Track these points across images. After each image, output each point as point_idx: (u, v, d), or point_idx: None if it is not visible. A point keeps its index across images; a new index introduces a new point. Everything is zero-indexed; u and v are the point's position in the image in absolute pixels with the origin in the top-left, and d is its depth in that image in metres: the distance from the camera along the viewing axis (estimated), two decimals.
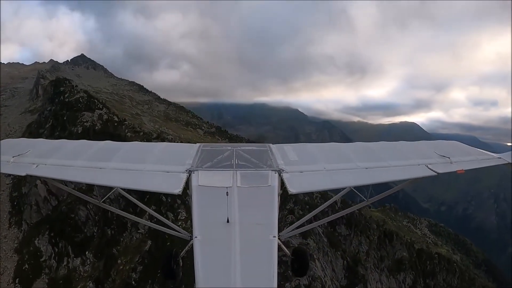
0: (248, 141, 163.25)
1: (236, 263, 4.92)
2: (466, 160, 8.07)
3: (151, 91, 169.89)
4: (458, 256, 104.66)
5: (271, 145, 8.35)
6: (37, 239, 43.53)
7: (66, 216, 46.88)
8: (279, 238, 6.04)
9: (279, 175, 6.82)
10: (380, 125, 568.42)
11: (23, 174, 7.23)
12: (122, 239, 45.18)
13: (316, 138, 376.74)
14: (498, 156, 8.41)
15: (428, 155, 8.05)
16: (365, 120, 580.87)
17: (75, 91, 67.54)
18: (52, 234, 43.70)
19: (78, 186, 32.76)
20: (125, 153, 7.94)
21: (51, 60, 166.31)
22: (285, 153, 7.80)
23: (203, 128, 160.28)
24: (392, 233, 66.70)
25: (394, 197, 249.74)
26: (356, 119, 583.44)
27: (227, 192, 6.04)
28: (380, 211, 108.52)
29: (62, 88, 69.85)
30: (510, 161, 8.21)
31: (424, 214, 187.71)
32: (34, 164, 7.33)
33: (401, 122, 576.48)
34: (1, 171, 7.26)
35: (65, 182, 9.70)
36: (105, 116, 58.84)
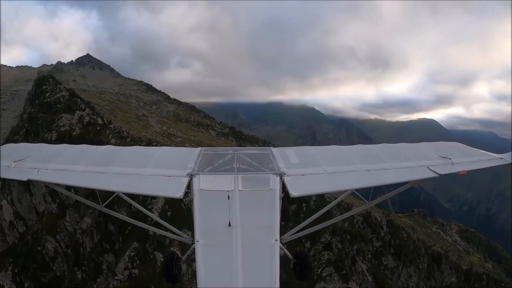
0: (264, 142, 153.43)
1: (238, 266, 4.89)
2: (467, 161, 7.92)
3: (160, 91, 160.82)
4: (490, 264, 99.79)
5: (272, 148, 8.25)
6: (1, 274, 36.51)
7: (32, 249, 36.94)
8: (281, 242, 5.69)
9: (281, 178, 6.69)
10: (397, 122, 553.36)
11: (25, 179, 7.02)
12: (96, 286, 34.16)
13: (333, 137, 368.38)
14: (499, 156, 8.17)
15: (429, 157, 7.90)
16: (382, 118, 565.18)
17: (57, 90, 57.59)
18: (16, 271, 36.67)
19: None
20: (126, 158, 7.74)
21: (59, 62, 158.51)
22: (286, 156, 7.66)
23: (216, 129, 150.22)
24: (440, 256, 61.76)
25: (416, 198, 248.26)
26: (372, 116, 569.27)
27: (228, 196, 5.91)
28: (408, 217, 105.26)
29: (44, 87, 59.97)
30: (511, 162, 8.00)
31: (446, 215, 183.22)
32: (35, 169, 7.14)
33: (419, 119, 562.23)
34: (2, 176, 6.99)
35: (66, 187, 9.07)
36: (87, 119, 48.76)
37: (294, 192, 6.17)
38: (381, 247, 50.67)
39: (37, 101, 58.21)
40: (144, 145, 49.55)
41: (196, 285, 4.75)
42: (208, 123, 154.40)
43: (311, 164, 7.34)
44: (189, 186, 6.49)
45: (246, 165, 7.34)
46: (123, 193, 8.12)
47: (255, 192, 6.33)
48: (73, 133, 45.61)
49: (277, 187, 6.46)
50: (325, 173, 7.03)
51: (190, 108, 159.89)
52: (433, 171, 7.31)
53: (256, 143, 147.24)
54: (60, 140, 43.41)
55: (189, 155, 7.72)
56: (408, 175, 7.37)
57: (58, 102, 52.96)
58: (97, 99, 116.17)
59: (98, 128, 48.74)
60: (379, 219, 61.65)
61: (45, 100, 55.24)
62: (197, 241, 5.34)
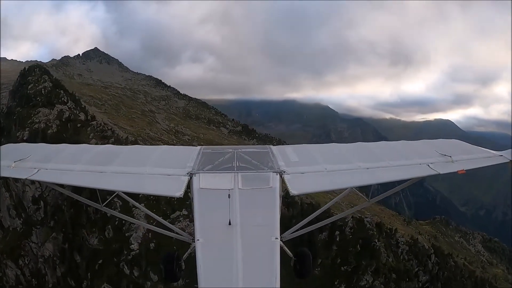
0: (279, 141, 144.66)
1: (238, 265, 4.87)
2: (467, 158, 7.82)
3: (169, 86, 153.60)
4: None
5: (272, 146, 8.22)
6: None
7: None
8: (281, 240, 5.81)
9: (281, 176, 6.63)
10: (413, 122, 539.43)
11: (24, 178, 7.03)
12: None
13: (348, 136, 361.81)
14: (499, 154, 8.06)
15: (429, 154, 7.80)
16: (398, 117, 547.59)
17: (41, 81, 50.06)
18: None
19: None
20: (126, 157, 7.72)
21: (65, 56, 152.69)
22: (286, 155, 7.60)
23: (228, 126, 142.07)
24: (484, 282, 57.80)
25: (432, 201, 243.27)
26: (388, 116, 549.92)
27: (228, 195, 5.85)
28: (430, 224, 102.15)
29: (29, 78, 52.54)
30: (510, 159, 7.89)
31: (462, 219, 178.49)
32: (35, 168, 7.10)
33: (435, 120, 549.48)
34: (2, 175, 7.10)
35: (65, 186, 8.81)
36: (67, 114, 40.72)
37: (294, 190, 6.21)
38: (428, 282, 42.27)
39: (19, 94, 50.66)
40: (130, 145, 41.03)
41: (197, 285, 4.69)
42: (220, 120, 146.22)
43: (310, 162, 7.27)
44: (189, 185, 6.41)
45: (246, 163, 7.28)
46: (122, 192, 8.09)
47: (255, 190, 6.32)
48: (49, 131, 38.04)
49: (277, 185, 6.41)
50: (324, 171, 6.98)
51: (201, 104, 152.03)
52: (433, 169, 7.23)
53: (270, 142, 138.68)
54: (31, 140, 35.70)
55: (189, 153, 7.63)
56: (407, 173, 7.27)
57: (39, 94, 45.61)
58: (101, 93, 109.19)
59: (79, 125, 41.03)
60: (426, 247, 53.23)
61: (26, 92, 47.76)
62: (198, 239, 5.29)
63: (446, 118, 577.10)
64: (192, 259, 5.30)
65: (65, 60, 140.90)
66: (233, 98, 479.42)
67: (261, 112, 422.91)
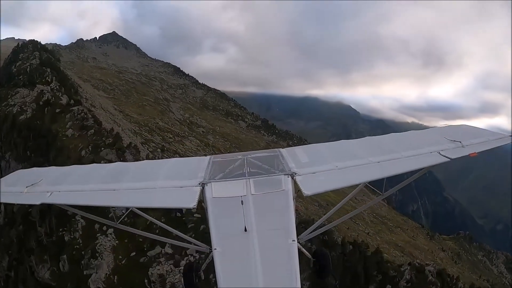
0: (300, 139, 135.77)
1: (258, 270, 4.81)
2: (477, 142, 7.67)
3: (188, 74, 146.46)
4: None
5: (281, 149, 8.14)
6: None
7: None
8: (298, 242, 5.63)
9: (292, 178, 6.58)
10: (435, 128, 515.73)
11: (38, 203, 6.96)
12: None
13: None
14: (508, 134, 7.99)
15: (439, 142, 7.73)
16: (420, 122, 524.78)
17: (31, 58, 43.23)
18: None
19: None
20: (136, 172, 7.70)
21: (80, 39, 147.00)
22: (296, 156, 7.54)
23: (247, 120, 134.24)
24: None
25: (451, 211, 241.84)
26: (410, 119, 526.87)
27: (242, 201, 5.86)
28: (453, 240, 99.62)
29: (21, 55, 45.83)
30: None
31: (479, 233, 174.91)
32: (48, 192, 7.05)
33: None
34: (16, 202, 7.14)
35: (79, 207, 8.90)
36: (47, 96, 33.38)
37: (307, 191, 6.14)
38: None
39: (6, 73, 43.80)
40: (112, 139, 33.39)
41: None
42: (239, 113, 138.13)
43: (321, 161, 7.22)
44: (202, 195, 6.41)
45: (256, 168, 7.27)
46: (136, 208, 8.25)
47: (268, 194, 6.26)
48: (21, 117, 30.60)
49: (290, 187, 6.36)
50: (336, 169, 6.93)
51: (220, 95, 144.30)
52: (444, 156, 7.15)
53: (290, 139, 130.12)
54: None
55: (199, 164, 7.63)
56: (419, 163, 7.14)
57: (23, 72, 38.59)
58: (113, 78, 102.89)
59: (58, 110, 33.63)
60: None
61: (12, 70, 40.91)
62: (215, 249, 5.25)
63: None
64: (211, 268, 5.32)
65: (80, 42, 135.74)
66: (253, 92, 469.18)
67: (281, 108, 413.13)
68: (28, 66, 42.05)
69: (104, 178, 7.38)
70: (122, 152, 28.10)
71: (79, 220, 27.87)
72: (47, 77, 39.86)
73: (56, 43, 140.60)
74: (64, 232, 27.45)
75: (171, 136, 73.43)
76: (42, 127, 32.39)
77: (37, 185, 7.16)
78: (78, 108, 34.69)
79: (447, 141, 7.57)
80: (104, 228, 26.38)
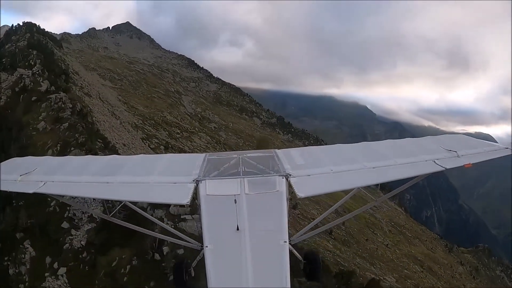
0: (316, 139, 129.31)
1: (248, 270, 4.86)
2: (472, 152, 7.81)
3: (202, 67, 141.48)
4: None
5: (277, 150, 8.18)
6: None
7: None
8: (290, 243, 5.67)
9: (287, 180, 6.62)
10: (452, 133, 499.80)
11: (31, 191, 6.91)
12: None
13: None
14: (505, 146, 8.04)
15: (434, 151, 7.81)
16: (437, 126, 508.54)
17: (21, 40, 38.65)
18: None
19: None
20: (131, 166, 7.64)
21: (92, 28, 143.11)
22: (292, 158, 7.57)
23: (262, 117, 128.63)
24: None
25: (465, 219, 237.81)
26: (427, 123, 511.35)
27: (235, 200, 5.93)
28: (472, 253, 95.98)
29: (13, 37, 41.31)
30: None
31: (492, 242, 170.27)
32: (41, 181, 7.08)
33: (476, 133, 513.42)
34: (10, 190, 7.16)
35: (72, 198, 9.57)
36: (27, 81, 28.26)
37: (300, 193, 6.18)
38: None
39: None
40: (86, 137, 27.93)
41: None
42: (254, 109, 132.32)
43: (316, 164, 7.26)
44: (196, 192, 6.40)
45: (251, 168, 7.34)
46: (129, 202, 8.22)
47: (262, 195, 6.30)
48: None
49: (284, 189, 6.40)
50: (330, 172, 6.98)
51: (235, 90, 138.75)
52: (439, 165, 7.22)
53: (306, 139, 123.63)
54: None
55: (194, 161, 7.65)
56: (414, 170, 7.20)
57: (8, 55, 33.83)
58: (123, 68, 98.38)
59: (34, 98, 28.52)
60: None
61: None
62: (206, 246, 5.30)
63: (487, 133, 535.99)
64: (201, 266, 5.27)
65: (92, 32, 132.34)
66: (269, 89, 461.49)
67: (296, 106, 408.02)
68: (15, 49, 37.42)
69: (99, 170, 7.25)
70: (94, 154, 22.46)
71: (27, 248, 21.44)
72: (30, 60, 35.04)
73: (65, 32, 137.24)
74: (8, 263, 21.55)
75: (178, 131, 68.22)
76: (13, 118, 27.42)
77: (31, 174, 7.13)
78: (56, 96, 29.27)
79: (443, 150, 7.66)
80: (56, 265, 20.29)
